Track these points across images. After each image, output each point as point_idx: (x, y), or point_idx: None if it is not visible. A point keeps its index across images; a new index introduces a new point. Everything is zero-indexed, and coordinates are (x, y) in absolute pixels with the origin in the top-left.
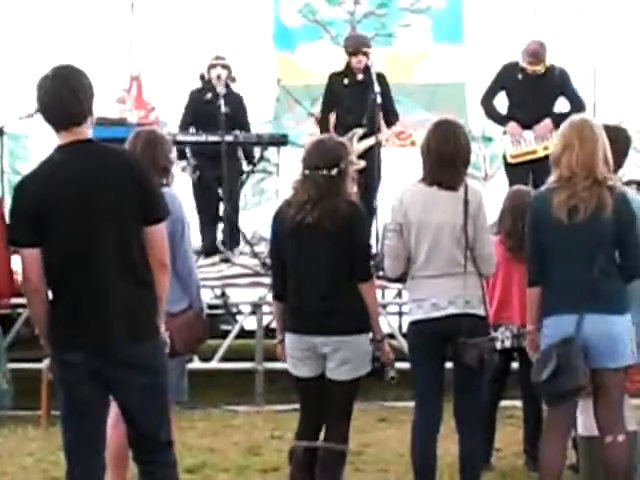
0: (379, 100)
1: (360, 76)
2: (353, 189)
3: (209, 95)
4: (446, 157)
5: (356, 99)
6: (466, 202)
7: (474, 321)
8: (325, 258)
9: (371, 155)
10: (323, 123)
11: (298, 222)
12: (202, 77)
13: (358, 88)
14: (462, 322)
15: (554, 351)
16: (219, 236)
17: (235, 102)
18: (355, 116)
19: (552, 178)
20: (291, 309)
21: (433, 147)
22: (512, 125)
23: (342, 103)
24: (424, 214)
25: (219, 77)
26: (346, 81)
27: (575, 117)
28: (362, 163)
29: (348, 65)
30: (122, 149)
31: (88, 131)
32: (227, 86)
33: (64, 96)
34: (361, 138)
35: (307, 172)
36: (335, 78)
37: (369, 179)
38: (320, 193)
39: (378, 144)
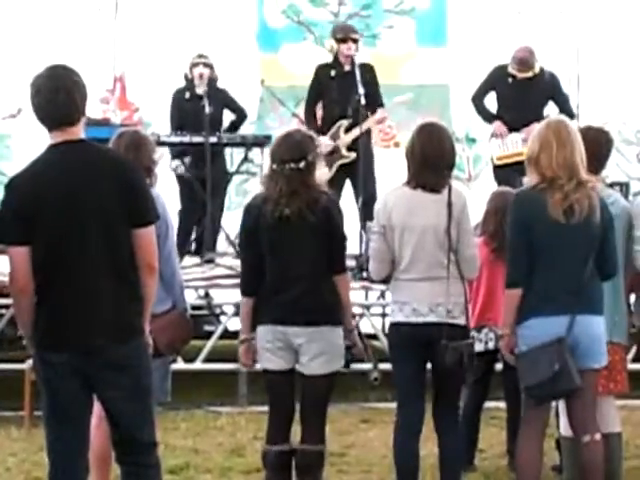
0: (363, 101)
1: (347, 67)
2: (322, 182)
3: (188, 94)
4: (430, 159)
5: (343, 91)
6: (449, 204)
7: (453, 330)
8: (306, 250)
9: (360, 147)
10: (309, 116)
11: (278, 216)
12: (186, 77)
13: (345, 79)
14: (442, 331)
15: (550, 352)
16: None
17: (219, 98)
18: (342, 108)
19: (533, 178)
20: (267, 301)
21: (418, 149)
22: (498, 124)
23: (329, 95)
24: (408, 217)
25: (201, 76)
26: (333, 73)
27: (551, 118)
28: (352, 155)
29: (336, 57)
30: (115, 151)
31: (81, 131)
32: (210, 84)
33: (59, 95)
34: (347, 130)
35: (275, 166)
36: (322, 70)
37: (359, 171)
38: (292, 186)
39: (366, 134)
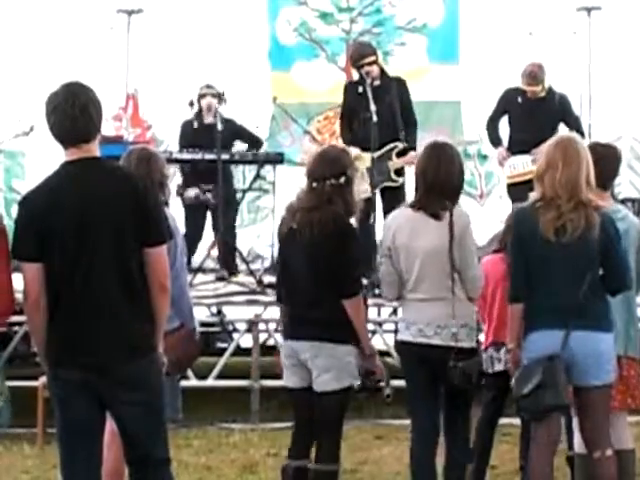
0: (375, 119)
1: (377, 82)
2: (358, 198)
3: (196, 124)
4: (436, 186)
5: (378, 105)
6: (451, 225)
7: (459, 353)
8: (308, 267)
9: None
10: (342, 131)
11: (287, 229)
12: (191, 104)
13: (377, 94)
14: (446, 354)
15: (539, 366)
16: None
17: (227, 128)
18: (379, 121)
19: (535, 195)
20: (284, 314)
21: (419, 173)
22: (499, 150)
23: (361, 110)
24: (410, 239)
25: (209, 107)
26: (360, 89)
27: (561, 135)
28: (400, 180)
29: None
30: (128, 169)
31: (96, 148)
32: (217, 114)
33: (75, 113)
34: (399, 154)
35: (315, 184)
36: (350, 86)
37: (400, 198)
38: (318, 202)
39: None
